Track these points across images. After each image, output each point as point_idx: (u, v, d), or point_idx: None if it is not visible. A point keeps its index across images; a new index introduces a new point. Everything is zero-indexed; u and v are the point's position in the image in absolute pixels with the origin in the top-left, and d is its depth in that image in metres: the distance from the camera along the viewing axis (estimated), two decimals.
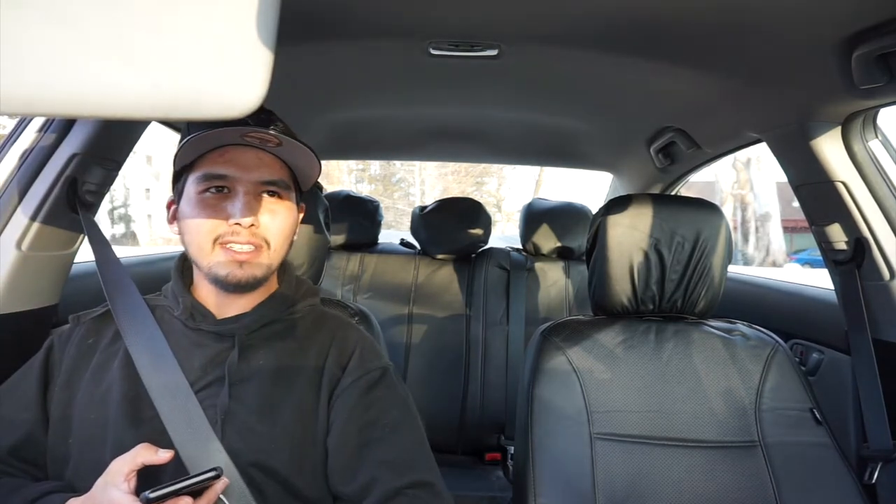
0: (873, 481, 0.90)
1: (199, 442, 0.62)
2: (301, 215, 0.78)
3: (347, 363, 0.72)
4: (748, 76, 0.98)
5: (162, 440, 0.62)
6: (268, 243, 0.69)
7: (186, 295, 0.72)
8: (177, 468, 0.60)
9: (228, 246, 0.67)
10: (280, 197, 0.71)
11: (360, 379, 0.71)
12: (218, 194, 0.67)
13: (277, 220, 0.70)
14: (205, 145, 0.67)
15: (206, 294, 0.73)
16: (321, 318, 0.78)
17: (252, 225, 0.66)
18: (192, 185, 0.68)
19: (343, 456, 0.67)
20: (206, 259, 0.68)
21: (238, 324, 0.71)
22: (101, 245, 0.82)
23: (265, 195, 0.69)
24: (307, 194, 0.86)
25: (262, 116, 0.69)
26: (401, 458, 0.67)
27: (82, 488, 0.61)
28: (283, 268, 0.79)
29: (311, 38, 0.96)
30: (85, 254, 1.05)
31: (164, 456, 0.58)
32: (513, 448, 1.57)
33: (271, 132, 0.65)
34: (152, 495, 0.51)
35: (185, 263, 0.76)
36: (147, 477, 0.58)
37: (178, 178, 0.71)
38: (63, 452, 0.66)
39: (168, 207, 0.75)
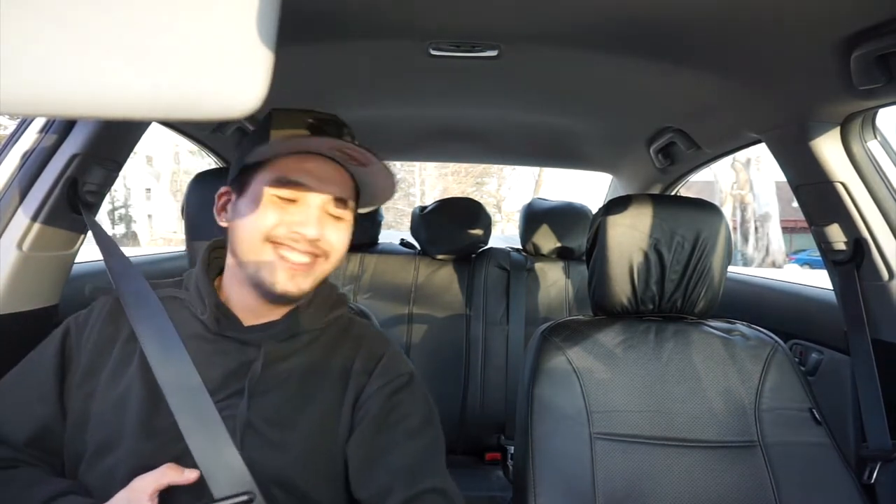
0: (872, 481, 0.90)
1: (213, 444, 0.60)
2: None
3: (374, 369, 0.70)
4: (748, 76, 0.98)
5: (176, 449, 0.60)
6: (327, 255, 0.67)
7: (213, 295, 0.68)
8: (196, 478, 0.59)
9: (282, 252, 0.65)
10: (346, 211, 0.69)
11: (385, 385, 0.69)
12: (289, 200, 0.65)
13: (341, 235, 0.69)
14: (287, 148, 0.65)
15: (234, 295, 0.69)
16: (347, 325, 0.76)
17: (317, 238, 0.65)
18: (262, 185, 0.65)
19: (362, 461, 0.66)
20: (254, 258, 0.65)
21: (266, 333, 0.68)
22: (104, 240, 0.81)
23: (332, 208, 0.68)
24: None
25: (343, 129, 0.69)
26: (416, 466, 0.65)
27: (94, 491, 0.61)
28: None
29: (311, 39, 0.96)
30: (85, 254, 1.05)
31: (190, 476, 0.57)
32: (513, 448, 1.57)
33: (365, 151, 0.63)
34: None
35: (212, 254, 0.73)
36: (167, 492, 0.57)
37: (244, 172, 0.68)
38: (79, 448, 0.64)
39: (219, 198, 0.72)
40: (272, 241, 0.64)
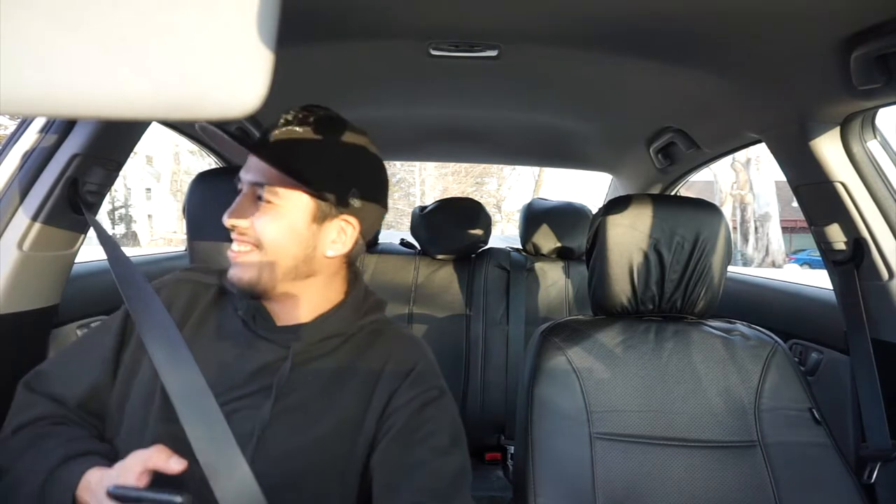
0: (872, 481, 0.90)
1: (217, 449, 0.60)
2: (334, 220, 0.69)
3: (405, 379, 0.69)
4: (747, 76, 0.98)
5: (187, 442, 0.60)
6: (258, 245, 0.66)
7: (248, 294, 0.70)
8: (200, 476, 0.58)
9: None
10: (272, 198, 0.65)
11: (416, 398, 0.67)
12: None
13: (266, 221, 0.65)
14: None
15: None
16: (382, 330, 0.75)
17: (234, 226, 0.66)
18: None
19: (387, 478, 0.63)
20: None
21: (296, 334, 0.68)
22: (107, 241, 0.81)
23: (267, 196, 0.65)
24: None
25: (278, 123, 0.67)
26: (442, 488, 0.63)
27: None
28: (353, 276, 0.76)
29: (311, 39, 0.96)
30: (85, 255, 1.05)
31: (174, 467, 0.56)
32: (513, 448, 1.57)
33: (237, 144, 0.63)
34: (113, 490, 0.53)
35: None
36: (170, 480, 0.57)
37: None
38: (117, 420, 0.67)
39: None
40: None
